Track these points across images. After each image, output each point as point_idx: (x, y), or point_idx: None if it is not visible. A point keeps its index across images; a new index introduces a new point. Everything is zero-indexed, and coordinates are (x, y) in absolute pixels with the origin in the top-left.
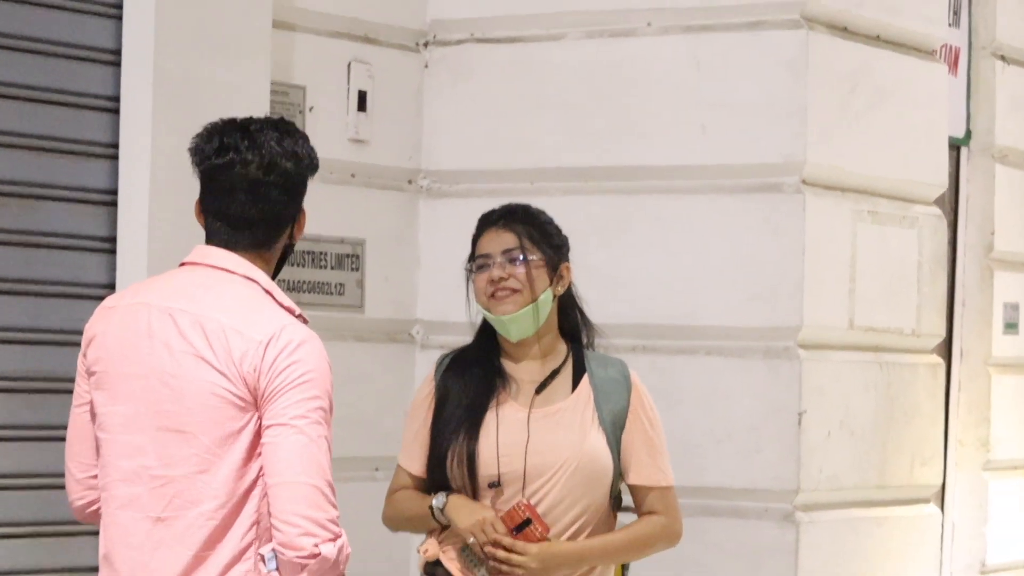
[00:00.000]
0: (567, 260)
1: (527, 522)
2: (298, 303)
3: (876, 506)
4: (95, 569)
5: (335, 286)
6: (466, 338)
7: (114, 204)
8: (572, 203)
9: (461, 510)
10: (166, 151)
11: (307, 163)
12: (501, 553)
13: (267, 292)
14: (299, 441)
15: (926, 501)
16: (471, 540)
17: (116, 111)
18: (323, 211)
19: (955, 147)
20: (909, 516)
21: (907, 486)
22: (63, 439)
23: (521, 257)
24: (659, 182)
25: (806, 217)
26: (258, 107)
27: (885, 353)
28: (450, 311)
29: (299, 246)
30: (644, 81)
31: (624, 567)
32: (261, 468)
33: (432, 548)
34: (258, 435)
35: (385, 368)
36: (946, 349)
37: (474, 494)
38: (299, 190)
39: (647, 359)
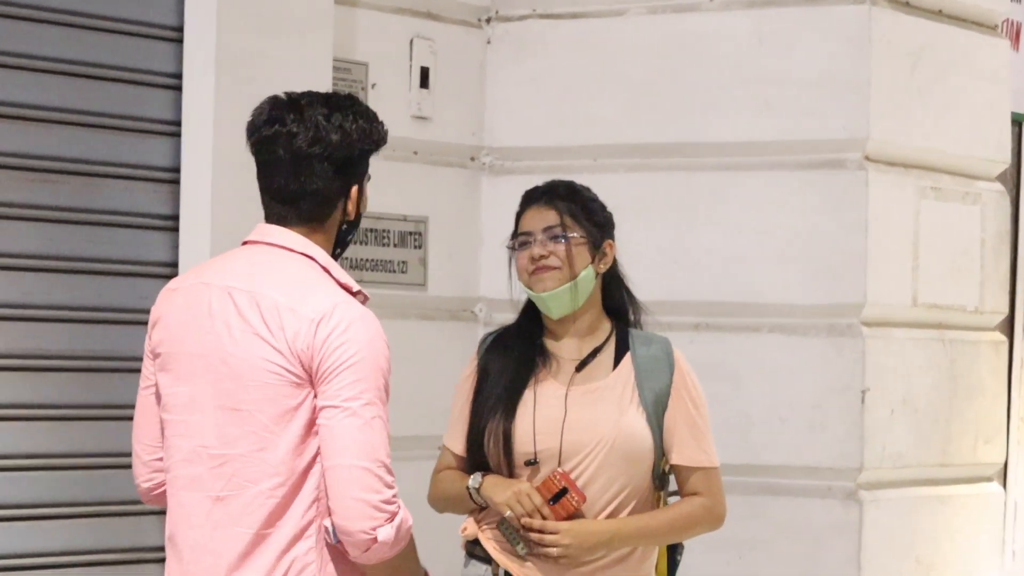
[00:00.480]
0: (611, 237)
1: (563, 491)
2: (361, 281)
3: (939, 484)
4: (160, 549)
5: (398, 264)
6: None
7: (177, 182)
8: (634, 180)
9: (496, 487)
10: (228, 128)
11: (358, 137)
12: (534, 532)
13: (324, 269)
14: (353, 424)
15: (989, 479)
16: (507, 513)
17: (178, 88)
18: (385, 189)
19: (1017, 123)
20: (972, 494)
21: (970, 464)
22: (126, 418)
23: (562, 235)
24: (722, 158)
25: (869, 194)
26: (320, 84)
27: (948, 330)
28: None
29: (362, 223)
30: (707, 57)
31: (673, 552)
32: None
33: (471, 527)
34: (315, 412)
35: (448, 346)
36: (1008, 326)
37: (510, 473)
38: (347, 165)
39: (710, 337)
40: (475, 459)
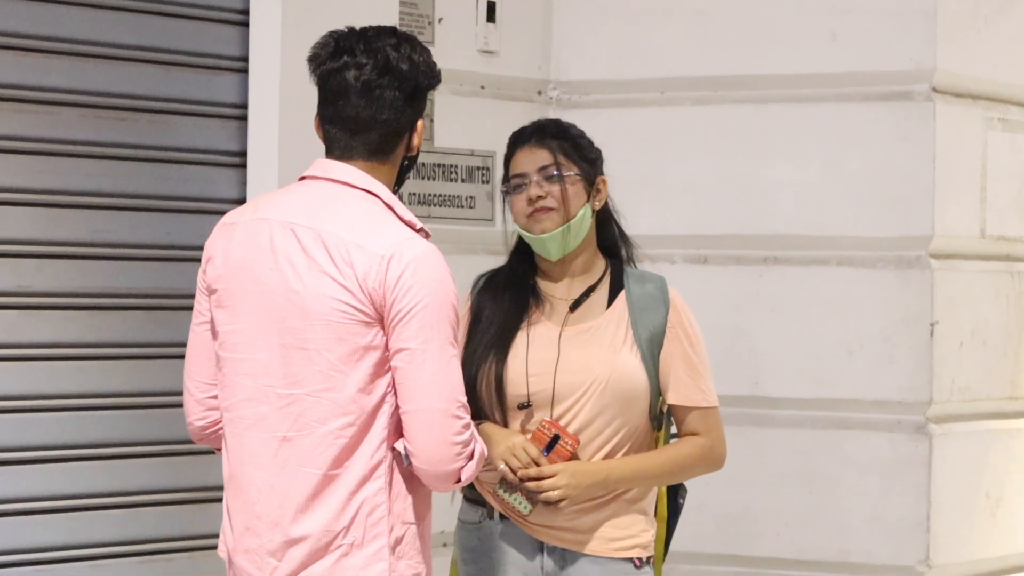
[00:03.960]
0: (602, 173)
1: (555, 439)
2: (429, 217)
3: (1008, 418)
4: (218, 488)
5: (466, 199)
6: None
7: (244, 118)
8: (702, 113)
9: (490, 439)
10: (295, 64)
11: (424, 70)
12: (531, 482)
13: (388, 206)
14: (430, 366)
15: None
16: (502, 467)
17: (245, 24)
18: (453, 123)
19: None
20: None
21: None
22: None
23: (557, 173)
24: (789, 90)
25: (936, 125)
26: (387, 18)
27: (1016, 263)
28: None
29: (429, 159)
30: None
31: (675, 495)
32: (389, 385)
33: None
34: (385, 351)
35: None
36: None
37: (504, 417)
38: (415, 96)
39: (778, 270)
40: (472, 401)
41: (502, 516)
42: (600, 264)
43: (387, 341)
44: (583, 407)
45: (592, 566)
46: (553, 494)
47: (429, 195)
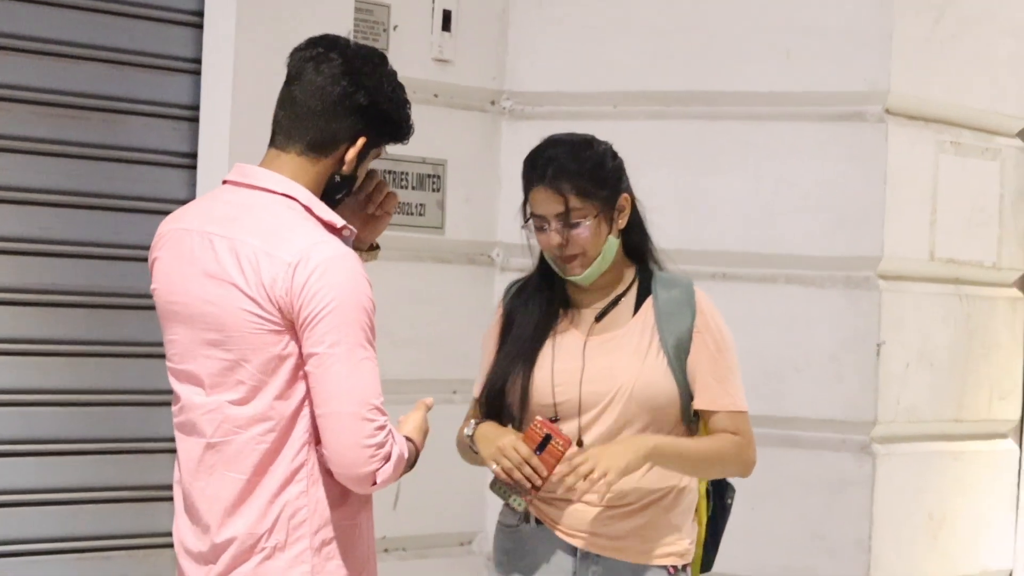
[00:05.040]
0: (625, 190)
1: (547, 439)
2: None
3: (953, 440)
4: (161, 487)
5: (416, 207)
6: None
7: (196, 119)
8: (655, 127)
9: (485, 438)
10: (249, 66)
11: (387, 99)
12: (527, 469)
13: (306, 208)
14: (340, 370)
15: (1003, 436)
16: (493, 467)
17: (199, 26)
18: None
19: None
20: (986, 451)
21: (985, 420)
22: (142, 355)
23: (575, 222)
24: (742, 108)
25: (889, 147)
26: (342, 24)
27: (965, 286)
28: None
29: (380, 165)
30: (729, 5)
31: (722, 495)
32: (307, 390)
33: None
34: (300, 357)
35: (464, 290)
36: None
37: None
38: (366, 113)
39: (727, 286)
40: (492, 410)
41: (538, 520)
42: (629, 272)
43: (300, 348)
44: (610, 416)
45: (625, 573)
46: (595, 476)
47: None
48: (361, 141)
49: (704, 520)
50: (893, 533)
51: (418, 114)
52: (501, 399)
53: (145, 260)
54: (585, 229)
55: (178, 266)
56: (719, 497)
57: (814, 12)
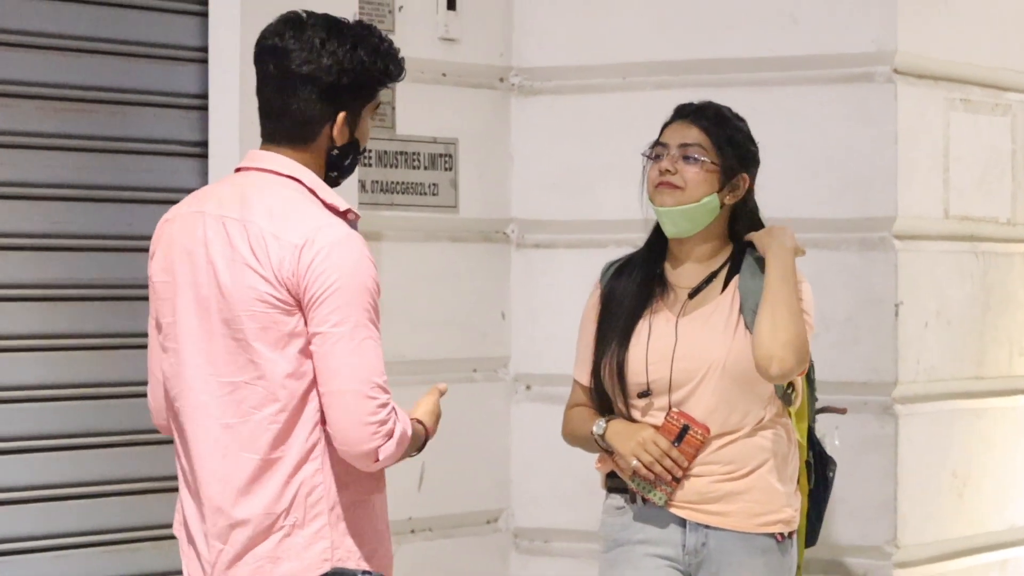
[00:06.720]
0: (748, 172)
1: (685, 429)
2: (392, 204)
3: (975, 397)
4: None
5: (428, 186)
6: (561, 236)
7: (204, 108)
8: (664, 97)
9: (620, 435)
10: None
11: (348, 68)
12: (667, 462)
13: (311, 191)
14: (342, 348)
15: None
16: (634, 463)
17: (204, 14)
18: (415, 111)
19: None
20: (1008, 407)
21: (1005, 376)
22: None
23: (694, 156)
24: (750, 74)
25: (898, 107)
26: (346, 7)
27: (980, 242)
28: (545, 209)
29: (391, 146)
30: None
31: (824, 468)
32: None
33: (604, 462)
34: (309, 337)
35: (480, 268)
36: None
37: (626, 404)
38: (333, 92)
39: None
40: (598, 391)
41: (644, 499)
42: (726, 251)
43: (308, 326)
44: (703, 394)
45: (734, 542)
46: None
47: (391, 183)
48: (341, 117)
49: (806, 491)
50: (918, 494)
51: (427, 94)
52: (599, 377)
53: None
54: (697, 168)
55: (191, 249)
56: (821, 471)
57: None
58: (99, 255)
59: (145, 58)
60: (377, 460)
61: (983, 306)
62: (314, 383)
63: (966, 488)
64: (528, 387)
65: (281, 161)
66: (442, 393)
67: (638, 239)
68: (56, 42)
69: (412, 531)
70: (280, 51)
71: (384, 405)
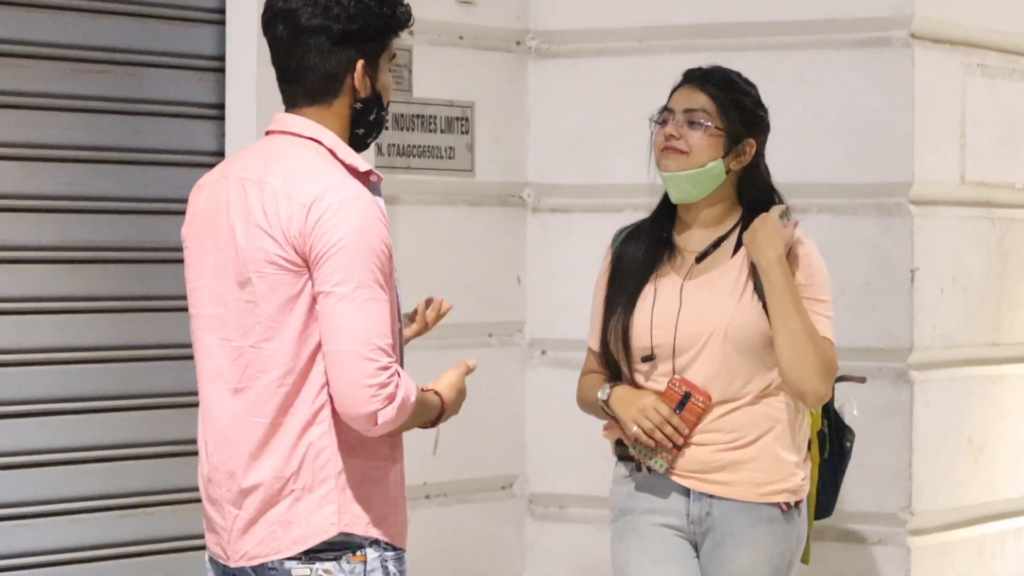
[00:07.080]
0: (755, 137)
1: (687, 396)
2: (408, 168)
3: (991, 364)
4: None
5: (445, 150)
6: (577, 200)
7: (222, 70)
8: (680, 61)
9: (622, 401)
10: None
11: (356, 14)
12: (668, 429)
13: (330, 151)
14: (345, 308)
15: None
16: (634, 429)
17: None
18: (432, 74)
19: None
20: (1023, 374)
21: (1021, 343)
22: (170, 309)
23: (698, 121)
24: (767, 38)
25: (915, 72)
26: None
27: (997, 208)
28: (561, 173)
29: (408, 109)
30: None
31: (841, 437)
32: None
33: (611, 429)
34: (315, 298)
35: (497, 232)
36: None
37: (630, 368)
38: (347, 40)
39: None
40: (608, 356)
41: (648, 468)
42: (734, 215)
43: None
44: (707, 359)
45: (738, 511)
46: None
47: (408, 146)
48: (360, 65)
49: (817, 461)
50: (933, 460)
51: (444, 56)
52: (606, 341)
53: (175, 212)
54: (702, 132)
55: (215, 213)
56: (838, 440)
57: None
58: (116, 217)
59: (162, 19)
60: (376, 424)
61: (999, 272)
62: (319, 346)
63: (981, 455)
64: (543, 352)
65: (302, 123)
66: (470, 370)
67: (654, 204)
68: (73, 2)
69: (427, 496)
70: (287, 12)
71: (385, 368)
